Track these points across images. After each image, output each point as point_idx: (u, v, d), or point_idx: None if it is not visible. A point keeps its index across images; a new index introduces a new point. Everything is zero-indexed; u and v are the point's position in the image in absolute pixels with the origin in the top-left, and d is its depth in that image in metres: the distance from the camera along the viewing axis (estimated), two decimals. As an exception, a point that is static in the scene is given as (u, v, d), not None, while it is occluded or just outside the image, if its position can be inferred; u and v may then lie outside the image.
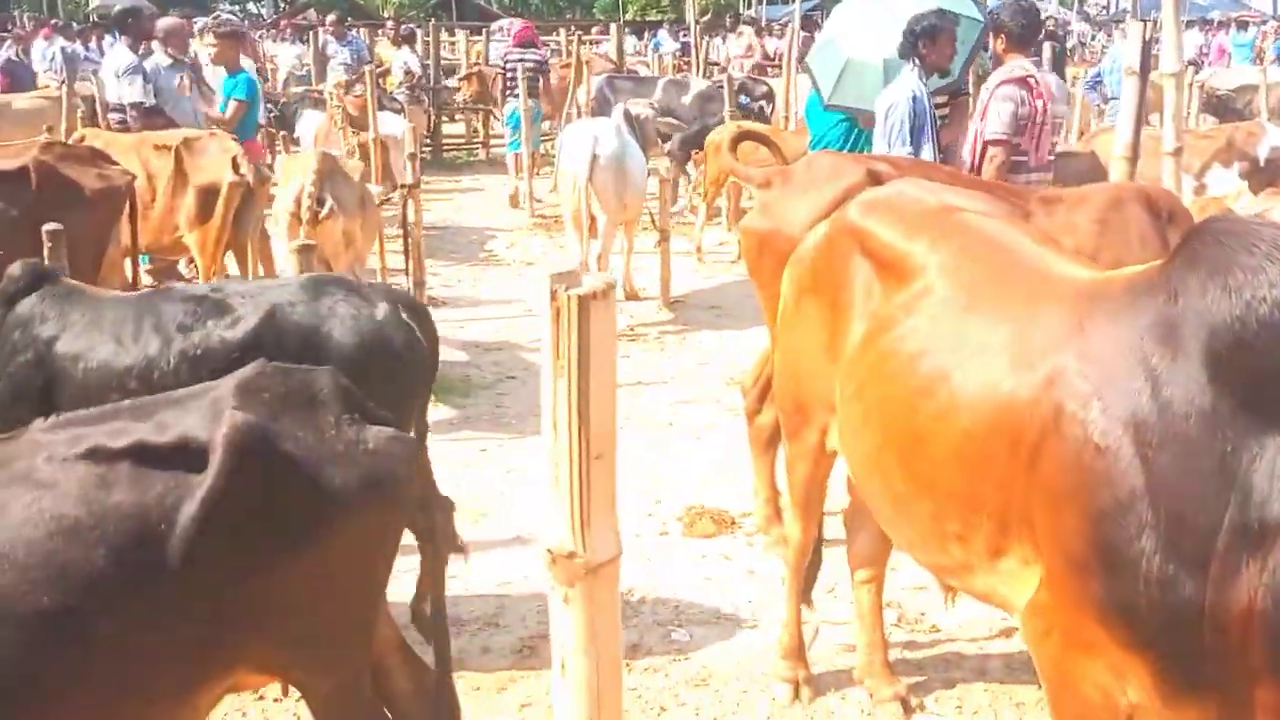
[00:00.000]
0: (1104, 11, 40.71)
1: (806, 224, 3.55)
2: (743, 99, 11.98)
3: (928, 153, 5.25)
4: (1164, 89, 5.27)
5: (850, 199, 3.22)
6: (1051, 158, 5.61)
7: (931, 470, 2.42)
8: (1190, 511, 1.89)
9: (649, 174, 8.58)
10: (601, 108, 11.75)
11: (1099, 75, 13.43)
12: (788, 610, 3.48)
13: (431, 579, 2.84)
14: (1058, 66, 13.67)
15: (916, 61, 5.35)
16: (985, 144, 5.13)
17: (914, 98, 5.25)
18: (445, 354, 6.99)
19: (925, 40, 5.24)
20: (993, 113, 5.10)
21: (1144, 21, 5.12)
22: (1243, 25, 19.60)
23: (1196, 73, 14.66)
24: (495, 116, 15.32)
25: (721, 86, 11.63)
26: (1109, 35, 22.88)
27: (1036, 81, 5.23)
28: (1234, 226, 2.07)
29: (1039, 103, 5.15)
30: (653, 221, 8.64)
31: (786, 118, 11.48)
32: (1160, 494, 1.92)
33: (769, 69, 15.46)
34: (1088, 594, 2.04)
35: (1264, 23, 19.77)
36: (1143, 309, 2.06)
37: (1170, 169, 5.29)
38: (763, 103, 12.66)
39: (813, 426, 3.10)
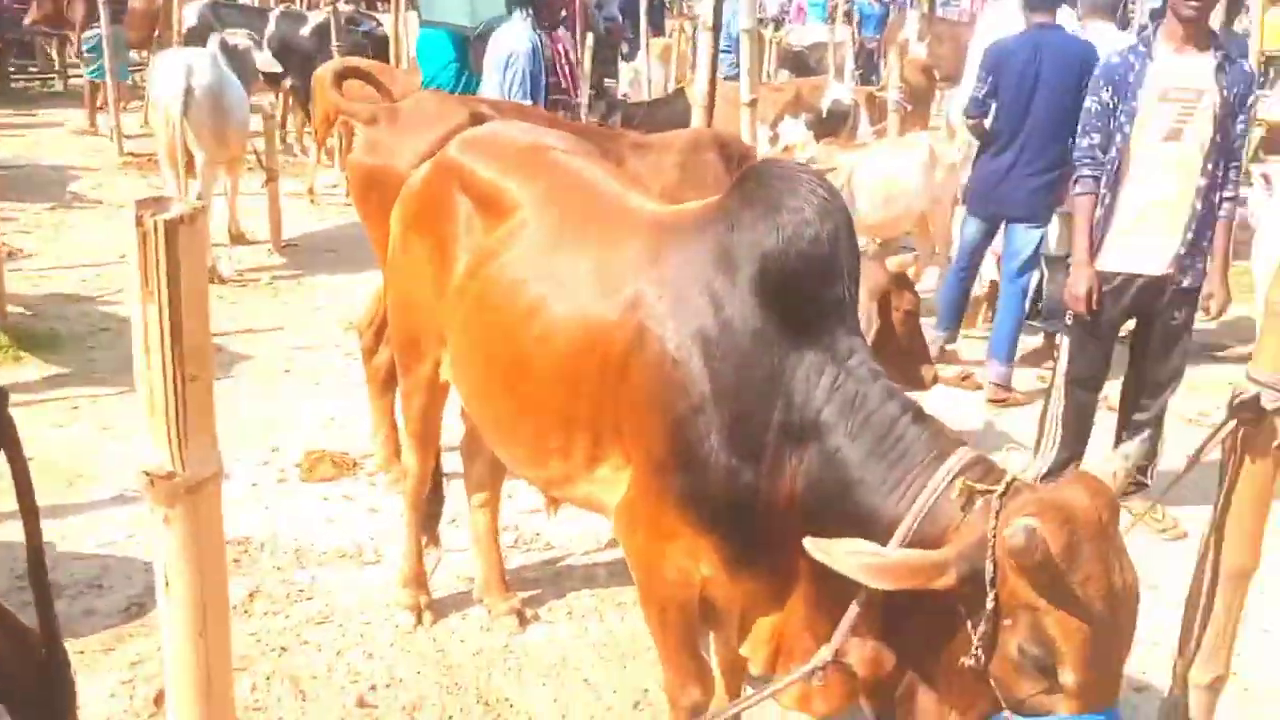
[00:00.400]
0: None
1: (413, 162, 3.61)
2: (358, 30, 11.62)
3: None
4: (741, 44, 5.81)
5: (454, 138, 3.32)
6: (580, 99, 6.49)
7: (534, 391, 2.61)
8: (747, 414, 2.20)
9: (253, 110, 8.19)
10: (200, 37, 10.97)
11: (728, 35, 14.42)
12: (408, 541, 3.59)
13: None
14: (657, 18, 14.43)
15: (529, 11, 5.58)
16: None
17: (533, 50, 5.52)
18: (30, 307, 6.43)
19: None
20: None
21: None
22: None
23: (777, 29, 16.05)
24: (71, 42, 13.89)
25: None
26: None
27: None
28: (781, 170, 2.40)
29: (560, 46, 5.88)
30: (259, 161, 8.28)
31: (396, 55, 11.31)
32: (724, 400, 2.22)
33: (379, 2, 15.11)
34: (668, 489, 2.32)
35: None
36: (707, 239, 2.35)
37: (746, 118, 5.87)
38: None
39: (426, 360, 3.20)
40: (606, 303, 2.45)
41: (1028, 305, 6.25)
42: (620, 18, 14.91)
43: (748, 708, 2.16)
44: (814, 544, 1.92)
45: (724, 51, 7.49)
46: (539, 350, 2.57)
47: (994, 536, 1.82)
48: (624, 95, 11.52)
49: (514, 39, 5.54)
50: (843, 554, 1.89)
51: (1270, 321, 2.57)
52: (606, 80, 13.21)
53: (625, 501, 2.48)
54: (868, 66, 14.97)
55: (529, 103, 5.42)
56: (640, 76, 11.84)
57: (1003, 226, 6.02)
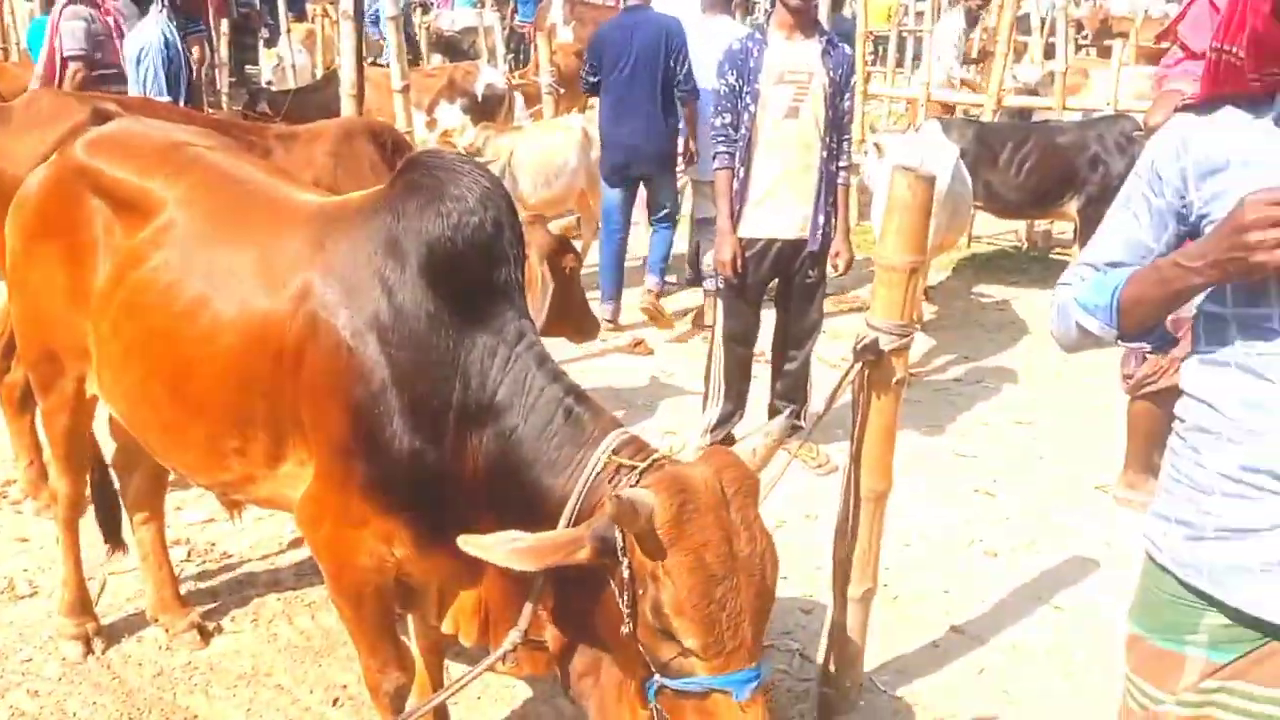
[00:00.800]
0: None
1: (29, 166, 3.33)
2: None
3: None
4: (387, 30, 5.75)
5: (76, 138, 3.09)
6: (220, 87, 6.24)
7: (203, 393, 2.51)
8: (426, 397, 2.23)
9: None
10: None
11: (376, 13, 14.13)
12: (65, 567, 3.32)
13: None
14: (295, 3, 13.91)
15: (165, 3, 5.35)
16: (64, 60, 5.48)
17: (166, 44, 5.29)
18: None
19: None
20: (65, 32, 5.48)
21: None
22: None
23: (426, 13, 15.89)
24: None
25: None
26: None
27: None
28: (443, 160, 2.43)
29: (109, 19, 5.63)
30: None
31: (4, 49, 10.25)
32: (404, 384, 2.24)
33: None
34: (354, 476, 2.30)
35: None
36: (374, 228, 2.35)
37: (400, 105, 5.82)
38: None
39: (68, 375, 2.98)
40: (274, 296, 2.40)
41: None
42: (257, 3, 14.26)
43: (455, 692, 2.20)
44: (466, 540, 1.97)
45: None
46: (205, 351, 2.47)
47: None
48: (268, 83, 11.06)
49: (145, 33, 5.25)
50: (490, 544, 1.95)
51: (880, 275, 2.90)
52: (248, 67, 12.63)
53: (309, 494, 2.43)
54: (520, 50, 15.17)
55: (166, 98, 5.17)
56: (284, 63, 11.39)
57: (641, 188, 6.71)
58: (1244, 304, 1.65)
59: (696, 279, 7.06)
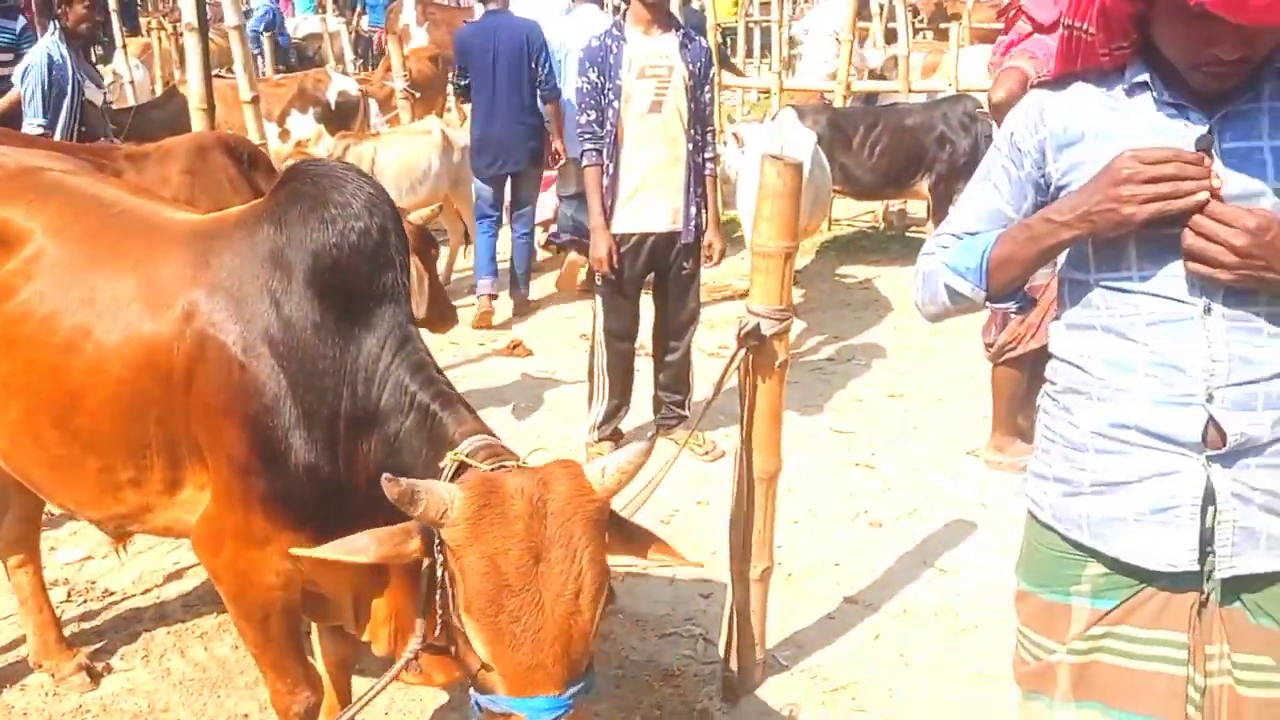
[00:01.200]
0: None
1: None
2: None
3: (65, 122, 5.20)
4: (232, 41, 5.58)
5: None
6: None
7: (92, 425, 2.43)
8: (318, 408, 2.22)
9: None
10: None
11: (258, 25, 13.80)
12: (-65, 621, 3.17)
13: None
14: (129, 18, 13.38)
15: (55, 23, 5.20)
16: None
17: (50, 63, 5.15)
18: None
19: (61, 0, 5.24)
20: None
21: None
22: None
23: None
24: None
25: None
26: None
27: None
28: (325, 169, 2.42)
29: None
30: None
31: None
32: (296, 396, 2.22)
33: None
34: (254, 493, 2.27)
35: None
36: (257, 241, 2.32)
37: (251, 117, 5.66)
38: None
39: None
40: (160, 318, 2.34)
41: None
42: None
43: (361, 708, 2.17)
44: (328, 548, 1.90)
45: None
46: (91, 381, 2.40)
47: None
48: (106, 100, 10.60)
49: (31, 53, 5.20)
50: (332, 547, 1.88)
51: (757, 262, 2.99)
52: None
53: (207, 516, 2.38)
54: (368, 55, 14.91)
55: (41, 120, 5.10)
56: (121, 79, 10.93)
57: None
58: (1106, 269, 1.75)
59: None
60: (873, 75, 10.12)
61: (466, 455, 1.98)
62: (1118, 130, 1.71)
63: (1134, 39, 1.69)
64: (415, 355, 2.25)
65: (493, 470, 1.89)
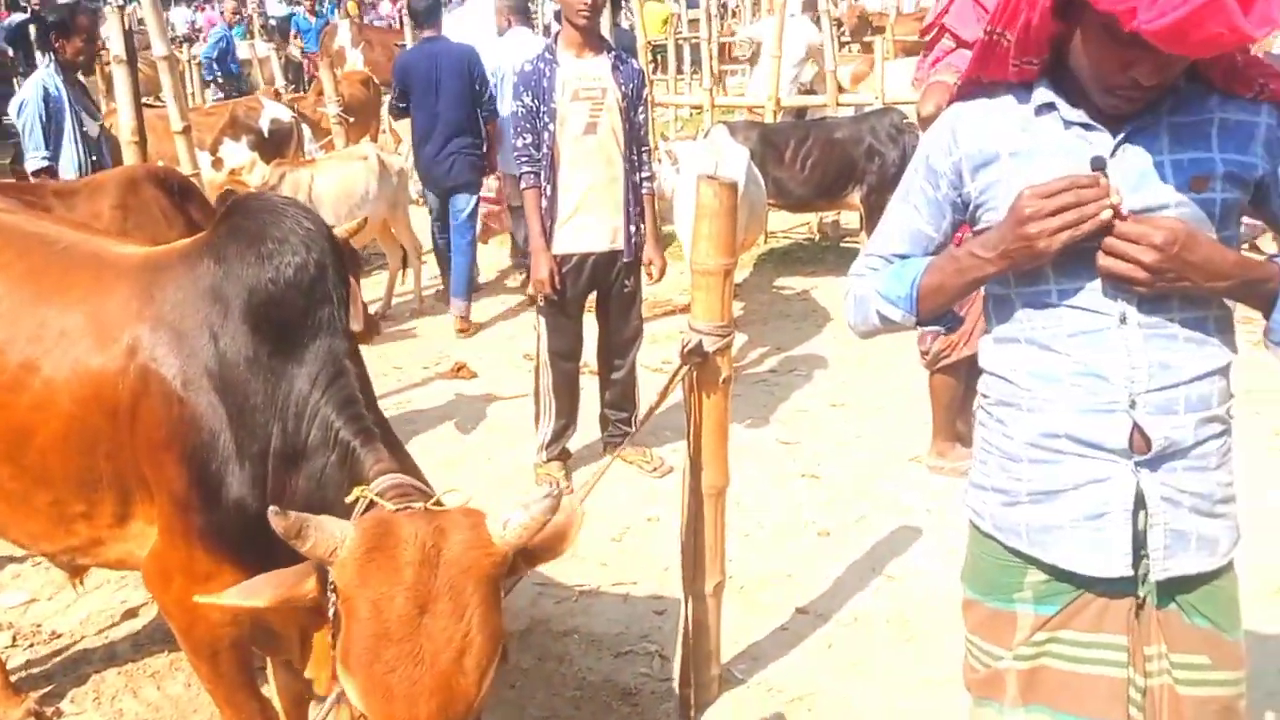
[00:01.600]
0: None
1: None
2: None
3: (69, 154, 5.16)
4: (160, 71, 5.53)
5: None
6: None
7: (42, 460, 2.42)
8: (250, 443, 2.23)
9: None
10: None
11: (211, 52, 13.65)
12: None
13: None
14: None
15: (52, 56, 5.16)
16: None
17: (46, 95, 5.11)
18: None
19: (59, 33, 5.18)
20: None
21: (121, 8, 5.28)
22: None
23: (190, 46, 15.30)
24: None
25: None
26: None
27: None
28: (265, 204, 2.43)
29: None
30: None
31: None
32: (230, 431, 2.23)
33: None
34: (193, 529, 2.27)
35: None
36: (199, 275, 2.33)
37: (183, 146, 5.60)
38: None
39: None
40: (106, 353, 2.35)
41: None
42: (9, 50, 13.38)
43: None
44: (229, 593, 1.87)
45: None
46: (41, 416, 2.39)
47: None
48: (103, 132, 10.41)
49: (25, 87, 5.17)
50: (233, 592, 1.86)
51: (697, 280, 3.04)
52: (4, 119, 11.85)
53: (155, 552, 2.38)
54: (300, 80, 14.80)
55: (41, 156, 5.07)
56: (47, 111, 10.73)
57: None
58: (1025, 284, 1.82)
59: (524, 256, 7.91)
60: (802, 90, 10.25)
61: (376, 493, 1.94)
62: (1029, 150, 1.78)
63: (1044, 57, 1.76)
64: (345, 390, 2.23)
65: (395, 510, 1.83)
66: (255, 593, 1.83)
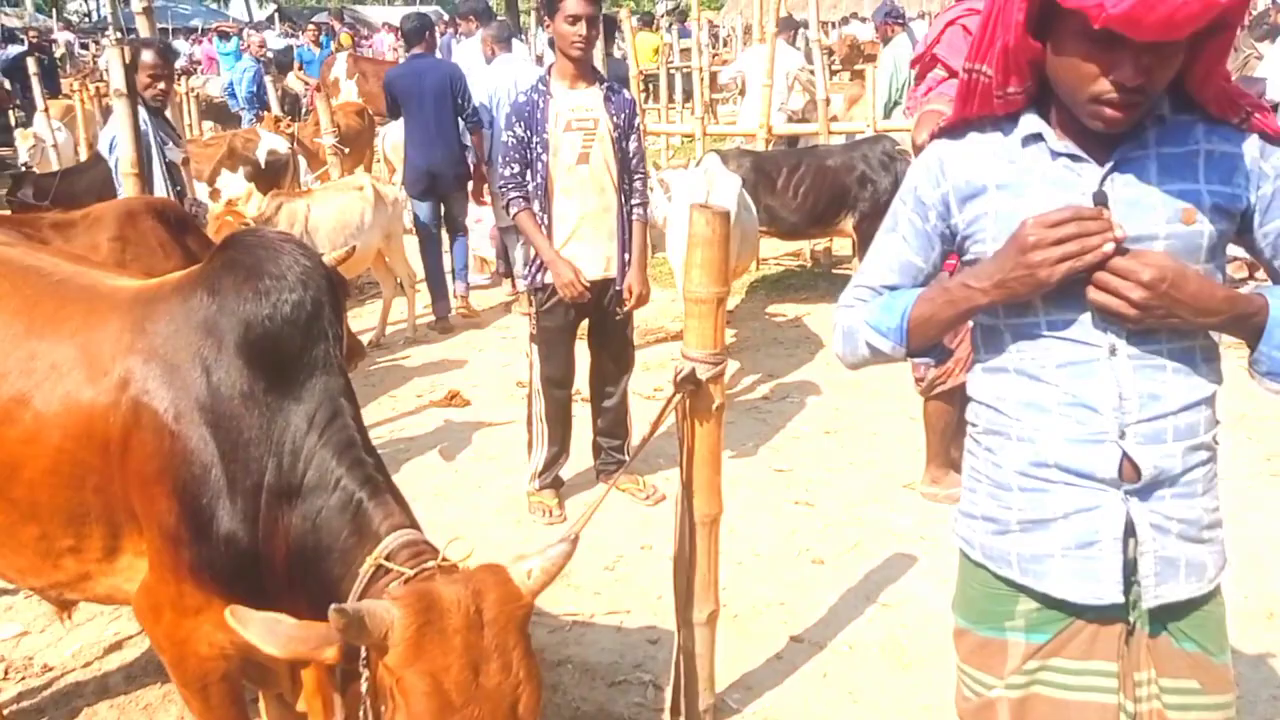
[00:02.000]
0: (86, 20, 39.84)
1: None
2: None
3: (157, 182, 5.31)
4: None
5: None
6: None
7: (31, 494, 2.41)
8: (243, 477, 2.22)
9: None
10: None
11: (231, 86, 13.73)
12: None
13: None
14: (50, 80, 13.21)
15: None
16: None
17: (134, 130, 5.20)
18: None
19: (130, 69, 5.22)
20: None
21: (119, 42, 5.31)
22: (224, 35, 20.72)
23: (189, 79, 15.36)
24: None
25: None
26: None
27: None
28: (262, 239, 2.42)
29: None
30: None
31: None
32: (223, 465, 2.22)
33: None
34: (183, 563, 2.26)
35: (240, 31, 21.08)
36: (192, 309, 2.33)
37: (182, 178, 5.64)
38: None
39: None
40: (97, 386, 2.34)
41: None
42: (6, 83, 13.45)
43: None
44: (233, 611, 1.89)
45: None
46: (31, 450, 2.38)
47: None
48: (24, 165, 10.45)
49: (112, 124, 5.23)
50: (254, 620, 1.87)
51: (690, 308, 3.05)
52: (1, 150, 11.90)
53: (145, 585, 2.37)
54: (295, 111, 14.88)
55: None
56: (43, 143, 10.79)
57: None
58: (1014, 315, 1.83)
59: (509, 272, 8.49)
60: (793, 118, 10.31)
61: (386, 556, 2.01)
62: (1017, 181, 1.79)
63: (1028, 85, 1.76)
64: (344, 432, 2.24)
65: (417, 574, 1.88)
66: (275, 638, 1.84)
